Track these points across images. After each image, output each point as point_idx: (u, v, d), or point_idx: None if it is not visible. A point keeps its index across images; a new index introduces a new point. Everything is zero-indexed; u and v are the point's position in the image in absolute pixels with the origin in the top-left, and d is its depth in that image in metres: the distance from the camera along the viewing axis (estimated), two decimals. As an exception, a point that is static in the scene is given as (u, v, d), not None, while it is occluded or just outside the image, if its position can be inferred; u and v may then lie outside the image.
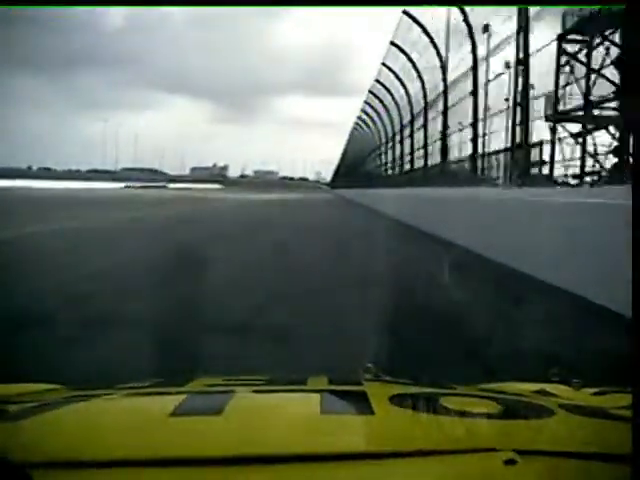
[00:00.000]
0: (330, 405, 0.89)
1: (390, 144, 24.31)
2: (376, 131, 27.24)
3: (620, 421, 0.85)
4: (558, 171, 9.25)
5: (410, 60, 15.32)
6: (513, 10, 8.57)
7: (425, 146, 16.08)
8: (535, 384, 1.21)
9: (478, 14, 10.44)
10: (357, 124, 34.33)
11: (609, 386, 1.16)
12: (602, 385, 1.18)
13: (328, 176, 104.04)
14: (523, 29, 8.74)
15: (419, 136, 17.04)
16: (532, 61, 8.41)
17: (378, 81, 20.42)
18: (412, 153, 18.59)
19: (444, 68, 13.39)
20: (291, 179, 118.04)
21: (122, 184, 71.76)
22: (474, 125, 11.69)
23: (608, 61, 10.38)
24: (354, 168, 42.97)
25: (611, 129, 10.08)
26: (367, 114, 27.88)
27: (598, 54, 10.84)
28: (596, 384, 1.19)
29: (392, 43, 15.94)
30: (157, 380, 1.22)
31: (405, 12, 13.42)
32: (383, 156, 27.61)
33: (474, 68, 11.35)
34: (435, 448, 0.71)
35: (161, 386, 1.17)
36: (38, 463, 0.65)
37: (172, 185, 79.75)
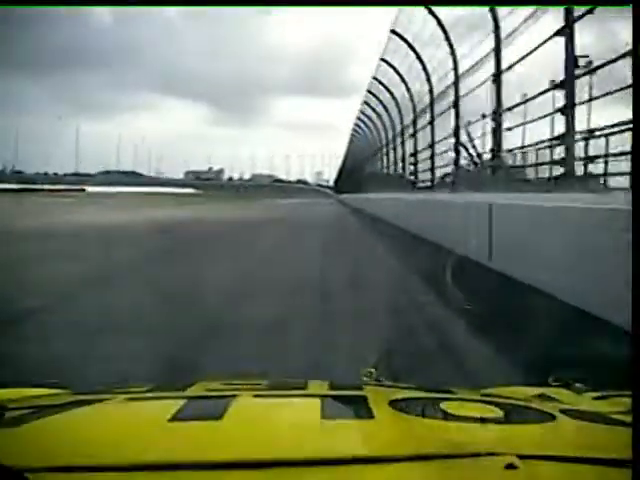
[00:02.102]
0: (330, 410, 0.89)
1: (400, 140, 20.01)
2: (388, 124, 21.45)
3: (621, 426, 0.85)
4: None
5: (399, 74, 15.66)
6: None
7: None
8: (536, 388, 1.21)
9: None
10: (357, 126, 29.67)
11: (610, 390, 1.16)
12: (603, 389, 1.18)
13: (329, 176, 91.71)
14: (495, 49, 8.93)
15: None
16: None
17: (370, 92, 20.72)
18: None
19: (429, 80, 13.77)
20: (288, 182, 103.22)
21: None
22: (456, 133, 11.63)
23: None
24: (361, 169, 35.23)
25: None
26: (367, 115, 24.92)
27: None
28: (597, 388, 1.19)
29: (382, 59, 16.28)
30: (157, 384, 1.22)
31: (393, 31, 13.77)
32: (396, 152, 20.88)
33: (455, 83, 11.50)
34: (435, 452, 0.71)
35: (161, 391, 1.17)
36: (38, 468, 0.65)
37: (102, 189, 58.17)
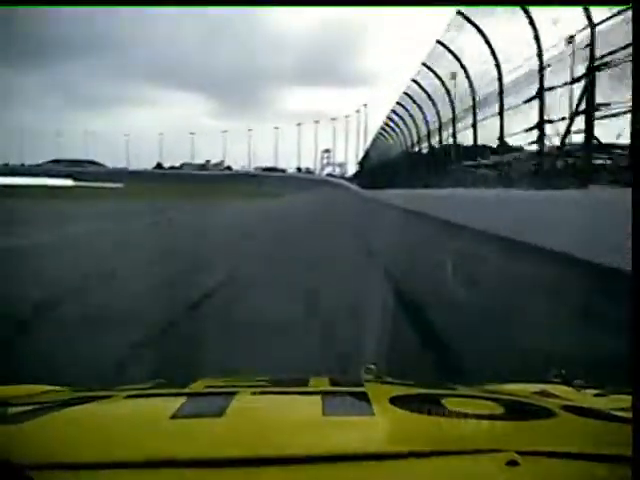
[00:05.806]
0: (331, 406, 0.89)
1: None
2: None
3: (621, 422, 0.85)
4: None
5: (440, 79, 15.86)
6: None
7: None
8: (536, 385, 1.22)
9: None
10: (406, 94, 20.12)
11: (610, 387, 1.17)
12: (603, 386, 1.19)
13: (345, 158, 69.58)
14: (539, 71, 8.88)
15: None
16: None
17: (406, 94, 20.97)
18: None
19: (472, 89, 14.04)
20: (282, 171, 75.09)
21: None
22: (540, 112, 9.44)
23: None
24: (407, 151, 24.83)
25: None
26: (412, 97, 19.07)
27: None
28: (597, 385, 1.20)
29: (424, 64, 16.39)
30: (158, 381, 1.23)
31: (439, 42, 14.10)
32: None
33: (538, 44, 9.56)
34: (436, 449, 0.71)
35: (162, 388, 1.17)
36: (40, 465, 0.65)
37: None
